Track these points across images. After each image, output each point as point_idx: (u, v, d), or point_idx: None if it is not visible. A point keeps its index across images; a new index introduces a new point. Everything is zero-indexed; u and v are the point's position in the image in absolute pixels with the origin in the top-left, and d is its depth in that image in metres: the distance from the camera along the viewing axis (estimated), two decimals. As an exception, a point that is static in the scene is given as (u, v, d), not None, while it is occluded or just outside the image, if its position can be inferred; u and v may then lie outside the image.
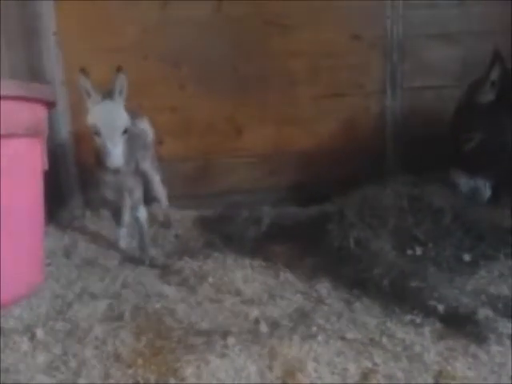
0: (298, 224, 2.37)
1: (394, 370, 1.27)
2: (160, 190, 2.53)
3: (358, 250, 1.85)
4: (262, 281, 1.85)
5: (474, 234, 1.92)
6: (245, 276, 1.87)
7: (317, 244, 2.05)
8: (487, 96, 2.04)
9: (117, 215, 2.26)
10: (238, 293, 1.75)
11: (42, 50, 2.56)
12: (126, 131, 1.83)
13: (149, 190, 2.44)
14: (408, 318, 1.53)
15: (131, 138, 1.94)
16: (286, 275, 1.89)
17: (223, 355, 1.33)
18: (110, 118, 1.80)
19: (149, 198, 2.43)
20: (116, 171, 1.85)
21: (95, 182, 2.02)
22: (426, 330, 1.46)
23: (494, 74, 1.99)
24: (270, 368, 1.28)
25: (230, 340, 1.40)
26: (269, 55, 2.72)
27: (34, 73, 2.54)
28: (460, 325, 1.45)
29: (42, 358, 1.39)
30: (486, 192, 2.13)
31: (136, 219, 2.14)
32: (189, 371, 1.26)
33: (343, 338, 1.42)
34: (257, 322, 1.53)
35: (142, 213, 2.13)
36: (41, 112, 1.83)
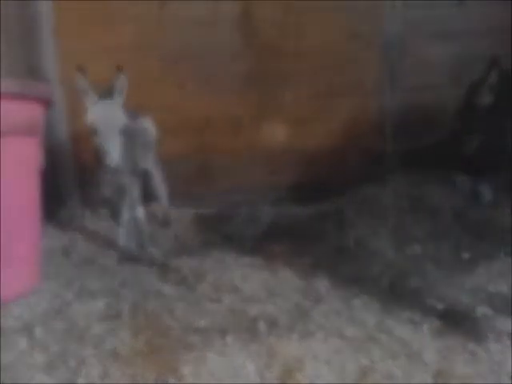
0: (297, 223, 2.37)
1: (392, 368, 1.27)
2: (162, 190, 2.54)
3: (358, 248, 1.86)
4: (260, 279, 1.85)
5: (473, 234, 1.93)
6: (244, 274, 1.87)
7: (316, 243, 2.05)
8: (486, 99, 2.07)
9: (116, 214, 2.26)
10: (236, 291, 1.75)
11: (40, 49, 2.56)
12: (123, 130, 1.83)
13: (150, 189, 2.45)
14: (407, 315, 1.53)
15: (130, 136, 1.95)
16: (285, 274, 1.89)
17: (222, 354, 1.33)
18: (107, 117, 1.82)
19: (150, 197, 2.43)
20: (114, 170, 1.85)
21: (94, 180, 2.02)
22: (425, 327, 1.46)
23: (492, 79, 2.03)
24: (269, 366, 1.28)
25: (229, 338, 1.40)
26: (268, 55, 2.72)
27: (33, 72, 2.54)
28: (459, 323, 1.46)
29: (40, 356, 1.38)
30: (486, 193, 2.14)
31: (134, 218, 2.15)
32: (187, 370, 1.26)
33: (342, 336, 1.42)
34: (255, 320, 1.52)
35: (140, 212, 2.13)
36: (38, 110, 1.82)
